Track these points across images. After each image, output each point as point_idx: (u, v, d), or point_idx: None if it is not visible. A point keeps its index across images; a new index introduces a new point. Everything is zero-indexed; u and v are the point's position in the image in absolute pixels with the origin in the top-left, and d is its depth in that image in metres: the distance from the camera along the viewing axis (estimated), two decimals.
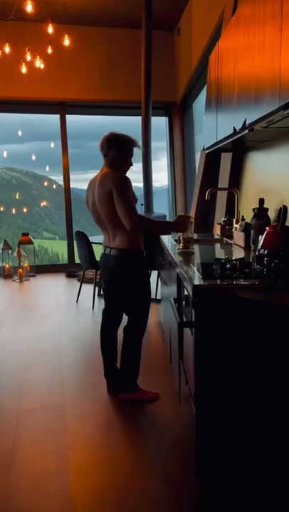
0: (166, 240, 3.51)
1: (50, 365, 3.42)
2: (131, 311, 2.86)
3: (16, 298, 5.58)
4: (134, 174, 14.45)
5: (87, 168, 11.28)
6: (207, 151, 3.17)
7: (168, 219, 7.40)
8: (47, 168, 8.19)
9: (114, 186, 2.58)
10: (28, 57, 5.69)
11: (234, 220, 3.45)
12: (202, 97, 6.76)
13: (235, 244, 3.17)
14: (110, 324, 3.02)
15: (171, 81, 7.25)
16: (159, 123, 7.65)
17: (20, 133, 7.93)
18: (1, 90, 6.42)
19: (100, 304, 5.16)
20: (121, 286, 2.78)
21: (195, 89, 6.74)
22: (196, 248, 2.98)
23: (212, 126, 3.07)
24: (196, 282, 1.85)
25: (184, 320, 2.03)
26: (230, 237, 3.40)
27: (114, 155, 2.69)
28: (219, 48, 2.90)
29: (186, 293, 2.11)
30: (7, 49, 5.88)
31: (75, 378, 3.19)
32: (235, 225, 3.35)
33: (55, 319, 4.62)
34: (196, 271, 2.10)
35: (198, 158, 7.39)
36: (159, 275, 5.08)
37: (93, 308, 4.97)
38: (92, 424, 2.56)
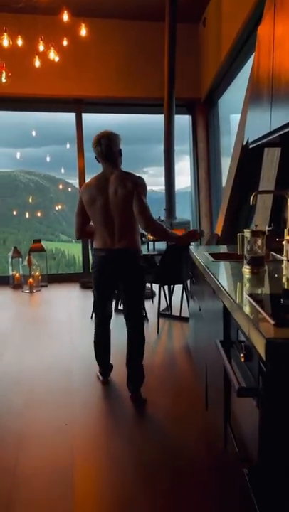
0: (200, 254, 2.84)
1: (57, 405, 2.78)
2: (137, 305, 2.97)
3: (25, 312, 4.98)
4: (151, 177, 13.71)
5: None
6: (252, 146, 2.50)
7: (192, 225, 6.72)
8: (62, 171, 7.62)
9: (140, 187, 2.67)
10: (41, 48, 5.09)
11: (286, 230, 2.76)
12: (230, 92, 6.08)
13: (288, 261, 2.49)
14: (108, 322, 3.14)
15: (195, 76, 6.59)
16: (179, 122, 6.99)
17: (36, 136, 7.40)
18: (13, 87, 5.83)
19: (118, 321, 4.52)
20: (136, 282, 2.84)
21: (223, 83, 6.07)
22: (226, 265, 2.33)
23: (261, 117, 2.42)
24: (268, 333, 1.19)
25: (244, 385, 1.37)
26: (278, 251, 2.71)
27: (120, 154, 2.77)
28: (275, 33, 2.25)
29: (242, 338, 1.45)
30: (19, 41, 5.33)
31: (87, 427, 2.54)
32: (287, 237, 2.66)
33: (67, 340, 3.99)
34: (256, 307, 1.43)
35: (223, 160, 6.77)
36: (184, 289, 4.42)
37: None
38: (111, 502, 1.91)
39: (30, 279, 5.89)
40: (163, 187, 6.28)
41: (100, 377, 3.14)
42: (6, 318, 4.69)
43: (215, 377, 2.09)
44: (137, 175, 2.74)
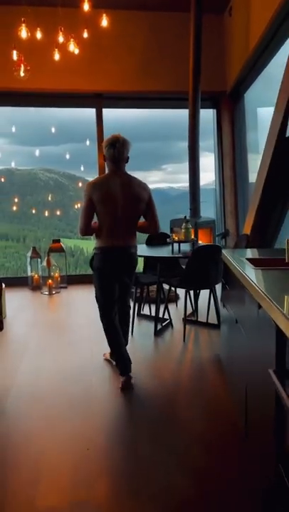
0: (241, 262, 2.53)
1: (78, 424, 2.51)
2: (130, 294, 3.26)
3: (43, 317, 4.74)
4: (169, 175, 13.27)
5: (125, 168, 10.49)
6: None
7: (217, 226, 6.39)
8: (82, 168, 7.36)
9: (150, 193, 2.96)
10: (61, 39, 4.82)
11: None
12: (258, 84, 5.72)
13: None
14: (116, 318, 3.09)
15: (220, 68, 6.24)
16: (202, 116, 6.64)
17: (55, 133, 7.18)
18: (32, 81, 5.60)
19: (140, 327, 4.24)
20: (132, 276, 3.13)
21: (250, 75, 5.71)
22: (273, 275, 2.01)
23: None
24: None
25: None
26: None
27: (127, 161, 2.94)
28: None
29: None
30: (38, 34, 5.08)
31: (110, 452, 2.27)
32: None
33: (87, 347, 3.73)
34: None
35: (249, 156, 6.40)
36: (211, 293, 4.10)
37: (132, 332, 4.04)
38: None
39: (50, 281, 5.66)
40: (182, 184, 6.01)
41: (112, 360, 3.25)
42: (23, 323, 4.46)
43: (261, 406, 1.78)
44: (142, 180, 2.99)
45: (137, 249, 3.04)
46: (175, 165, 13.20)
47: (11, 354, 3.56)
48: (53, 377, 3.15)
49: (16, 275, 8.35)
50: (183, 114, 5.91)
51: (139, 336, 4.01)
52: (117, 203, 2.83)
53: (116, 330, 3.03)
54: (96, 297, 3.06)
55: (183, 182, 12.87)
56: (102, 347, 3.73)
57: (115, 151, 2.80)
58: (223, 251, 2.97)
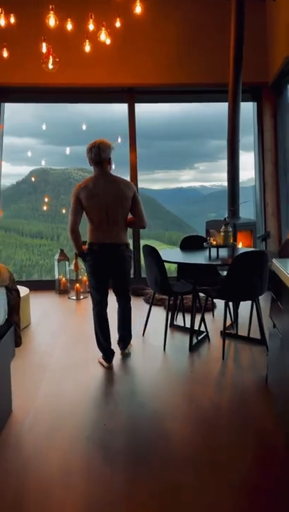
0: None
1: (100, 474, 2.11)
2: (126, 286, 3.38)
3: (69, 325, 4.37)
4: (201, 173, 12.73)
5: (155, 167, 10.20)
6: None
7: (259, 228, 5.87)
8: (113, 166, 6.95)
9: (134, 191, 3.20)
10: (91, 27, 4.43)
11: None
12: None
13: None
14: (106, 310, 3.32)
15: (262, 58, 5.70)
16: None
17: (86, 132, 6.85)
18: (60, 76, 5.28)
19: (174, 340, 3.80)
20: (127, 269, 3.29)
21: None
22: None
23: None
24: None
25: None
26: None
27: (110, 162, 3.19)
28: None
29: None
30: (69, 26, 4.73)
31: (142, 500, 1.85)
32: None
33: (113, 365, 3.33)
34: None
35: None
36: (254, 304, 3.61)
37: (164, 347, 3.61)
38: None
39: (77, 285, 5.31)
40: (214, 183, 5.56)
41: (105, 363, 3.27)
42: (48, 333, 4.11)
43: None
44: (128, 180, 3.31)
45: (127, 244, 3.23)
46: (208, 163, 12.63)
47: (32, 370, 3.20)
48: (75, 399, 2.77)
49: (48, 273, 8.22)
50: (217, 109, 5.44)
51: (173, 351, 3.57)
52: (103, 200, 3.07)
53: (104, 322, 3.29)
54: (91, 294, 3.34)
55: (215, 181, 12.34)
56: (133, 364, 3.34)
57: (92, 154, 3.10)
58: (274, 261, 2.48)
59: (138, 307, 4.83)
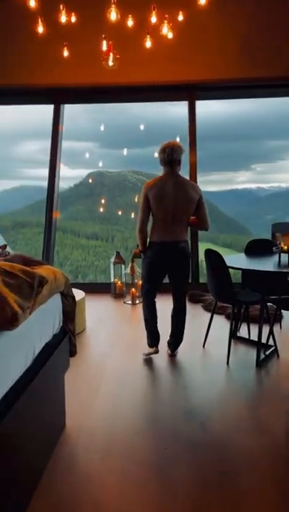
0: None
1: (165, 499, 1.83)
2: (184, 285, 3.39)
3: (125, 332, 4.14)
4: (258, 175, 12.17)
5: (210, 168, 9.88)
6: None
7: None
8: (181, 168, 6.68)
9: (200, 195, 3.25)
10: (154, 19, 4.20)
11: None
12: None
13: None
14: (155, 305, 3.40)
15: None
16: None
17: (143, 134, 6.67)
18: (118, 74, 5.09)
19: (238, 354, 3.45)
20: (186, 265, 3.29)
21: None
22: None
23: None
24: None
25: None
26: None
27: (179, 163, 3.25)
28: None
29: None
30: (130, 22, 4.54)
31: None
32: None
33: (171, 380, 3.05)
34: None
35: None
36: None
37: (228, 361, 3.28)
38: None
39: (133, 289, 5.09)
40: (272, 184, 5.07)
41: (150, 350, 3.38)
42: (102, 341, 3.90)
43: None
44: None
45: (187, 243, 3.28)
46: (265, 164, 12.12)
47: (86, 384, 2.99)
48: (131, 417, 2.52)
49: (103, 273, 8.21)
50: (277, 107, 4.99)
51: (237, 366, 3.22)
52: (170, 201, 3.14)
53: (152, 306, 3.39)
54: (142, 285, 3.45)
55: (274, 182, 11.74)
56: (194, 382, 3.03)
57: (165, 155, 3.18)
58: None
59: (196, 315, 4.52)
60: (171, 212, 3.14)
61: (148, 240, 3.28)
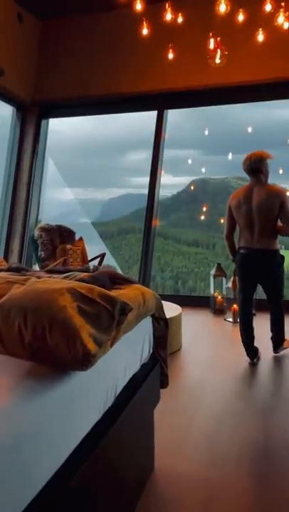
0: None
1: None
2: (278, 292, 3.36)
3: (225, 355, 3.68)
4: None
5: None
6: None
7: None
8: (280, 172, 6.04)
9: (283, 200, 3.18)
10: (268, 7, 3.71)
11: None
12: None
13: None
14: (251, 316, 3.49)
15: None
16: None
17: (248, 138, 6.19)
18: (224, 74, 4.69)
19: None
20: (276, 276, 3.30)
21: None
22: None
23: None
24: None
25: None
26: None
27: (263, 172, 3.29)
28: None
29: None
30: (240, 17, 4.13)
31: None
32: None
33: (280, 419, 2.54)
34: None
35: None
36: None
37: None
38: None
39: (235, 305, 4.61)
40: None
41: (249, 359, 3.36)
42: (200, 363, 3.50)
43: None
44: (279, 187, 3.36)
45: (274, 250, 3.26)
46: None
47: (181, 411, 2.63)
48: (231, 463, 2.10)
49: (202, 281, 7.92)
50: None
51: None
52: (247, 209, 3.23)
53: (246, 318, 3.43)
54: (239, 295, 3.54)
55: None
56: None
57: (245, 165, 3.30)
58: None
59: None
60: (250, 220, 3.23)
61: (237, 246, 3.45)
